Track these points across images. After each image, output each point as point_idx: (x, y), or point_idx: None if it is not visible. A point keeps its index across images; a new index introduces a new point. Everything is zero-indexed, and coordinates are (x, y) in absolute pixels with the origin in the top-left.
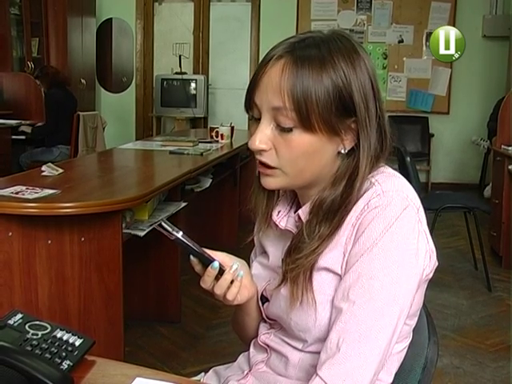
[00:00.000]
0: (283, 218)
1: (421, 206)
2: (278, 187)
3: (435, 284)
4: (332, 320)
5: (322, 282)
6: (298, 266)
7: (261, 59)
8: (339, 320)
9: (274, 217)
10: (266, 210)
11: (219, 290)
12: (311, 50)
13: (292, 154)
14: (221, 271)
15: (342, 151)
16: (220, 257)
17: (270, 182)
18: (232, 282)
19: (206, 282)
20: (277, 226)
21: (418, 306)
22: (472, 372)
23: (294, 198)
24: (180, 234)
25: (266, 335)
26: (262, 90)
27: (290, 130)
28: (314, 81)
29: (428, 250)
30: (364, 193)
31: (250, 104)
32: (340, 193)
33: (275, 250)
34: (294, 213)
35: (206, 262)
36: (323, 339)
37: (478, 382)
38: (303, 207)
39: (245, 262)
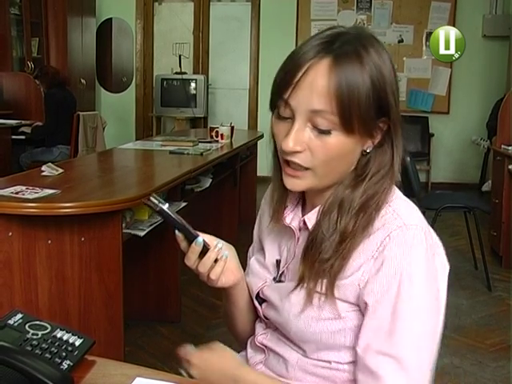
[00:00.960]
0: (289, 213)
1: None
2: (303, 189)
3: None
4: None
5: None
6: (327, 268)
7: (289, 56)
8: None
9: (286, 213)
10: (277, 207)
11: (202, 268)
12: (348, 47)
13: (327, 155)
14: (205, 250)
15: (368, 150)
16: (207, 238)
17: (297, 183)
18: (216, 261)
19: (190, 258)
20: (280, 221)
21: None
22: (472, 372)
23: (302, 194)
24: (166, 206)
25: (262, 335)
26: (300, 91)
27: (328, 132)
28: (356, 77)
29: (445, 265)
30: (381, 217)
31: (279, 103)
32: (363, 190)
33: (272, 248)
34: (302, 212)
35: (191, 237)
36: (322, 349)
37: (478, 382)
38: (310, 214)
39: (232, 247)
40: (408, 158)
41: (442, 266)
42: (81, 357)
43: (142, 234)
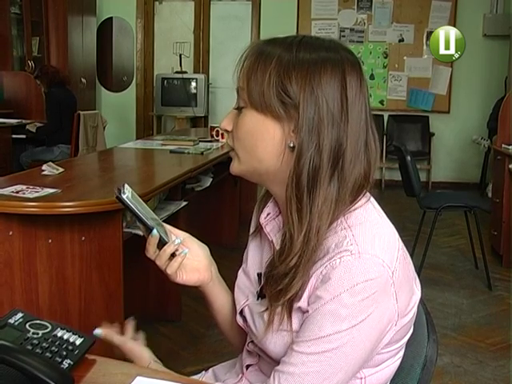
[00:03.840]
0: (270, 221)
1: (398, 266)
2: (237, 172)
3: (436, 283)
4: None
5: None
6: (283, 291)
7: None
8: (286, 365)
9: (262, 219)
10: (257, 213)
11: (159, 261)
12: (281, 38)
13: (240, 132)
14: (165, 243)
15: (291, 145)
16: (181, 236)
17: (232, 165)
18: (175, 256)
19: (148, 250)
20: (262, 229)
21: (402, 335)
22: (472, 371)
23: None
24: (125, 196)
25: (252, 342)
26: (239, 74)
27: (241, 108)
28: (267, 57)
29: (395, 311)
30: (335, 237)
31: None
32: (300, 193)
33: (254, 257)
34: (283, 223)
35: (149, 229)
36: None
37: (478, 381)
38: (278, 234)
39: (206, 247)
40: (408, 157)
41: (379, 314)
42: (81, 356)
43: (142, 233)
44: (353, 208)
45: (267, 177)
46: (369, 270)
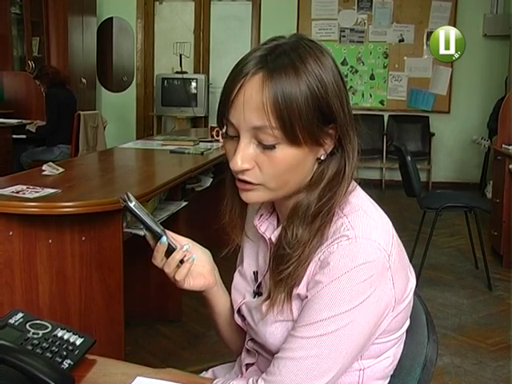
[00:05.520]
0: (264, 221)
1: (393, 251)
2: (260, 201)
3: (436, 283)
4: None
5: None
6: (284, 278)
7: (230, 71)
8: (285, 351)
9: (256, 220)
10: (240, 222)
11: (167, 268)
12: (283, 60)
13: (276, 169)
14: (172, 250)
15: (322, 157)
16: (183, 241)
17: (252, 196)
18: (183, 262)
19: (156, 258)
20: (256, 230)
21: (399, 324)
22: (473, 371)
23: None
24: (132, 204)
25: (252, 340)
26: (238, 108)
27: (273, 147)
28: (292, 88)
29: (393, 297)
30: (335, 227)
31: (224, 122)
32: (317, 196)
33: (250, 258)
34: (277, 221)
35: (157, 236)
36: None
37: (478, 382)
38: (276, 231)
39: (208, 252)
40: (409, 158)
41: (376, 298)
42: (81, 356)
43: (142, 233)
44: (345, 197)
45: (292, 193)
46: (366, 253)
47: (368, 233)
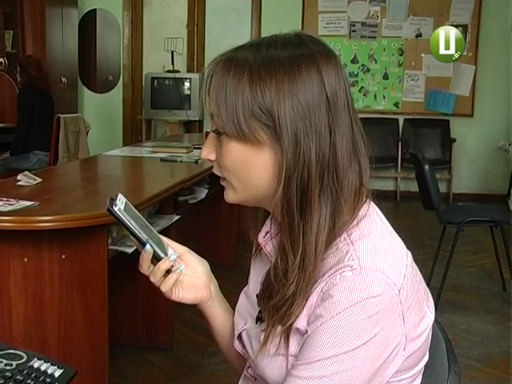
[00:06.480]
0: (269, 240)
1: (406, 283)
2: (234, 200)
3: (458, 307)
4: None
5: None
6: (278, 317)
7: None
8: None
9: (260, 238)
10: (253, 232)
11: (153, 277)
12: (245, 53)
13: (228, 162)
14: (160, 258)
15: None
16: (179, 250)
17: (226, 194)
18: (170, 272)
19: (141, 266)
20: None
21: (414, 362)
22: None
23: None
24: (117, 208)
25: (251, 367)
26: (206, 95)
27: (220, 134)
28: (227, 77)
29: (403, 334)
30: (338, 253)
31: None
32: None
33: (253, 279)
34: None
35: (142, 243)
36: None
37: None
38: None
39: (206, 263)
40: (426, 167)
41: (383, 337)
42: None
43: (130, 250)
44: (356, 221)
45: (266, 201)
46: (371, 287)
47: (375, 263)
